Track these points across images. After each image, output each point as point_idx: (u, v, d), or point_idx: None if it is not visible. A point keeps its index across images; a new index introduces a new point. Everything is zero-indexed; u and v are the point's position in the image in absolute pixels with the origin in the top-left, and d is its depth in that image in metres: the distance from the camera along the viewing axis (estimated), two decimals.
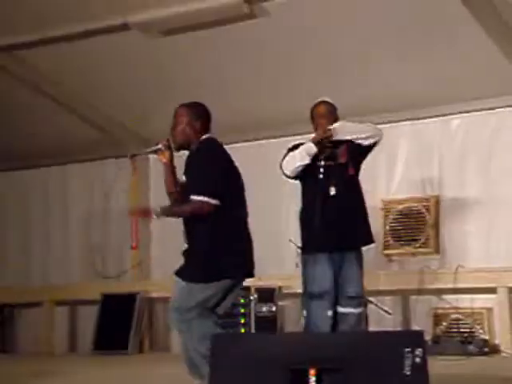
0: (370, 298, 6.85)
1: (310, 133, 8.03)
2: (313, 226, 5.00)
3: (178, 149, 4.67)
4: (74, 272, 9.18)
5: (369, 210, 5.38)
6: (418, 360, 3.13)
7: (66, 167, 9.39)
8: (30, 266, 9.38)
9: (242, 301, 7.58)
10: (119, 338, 8.15)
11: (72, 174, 9.34)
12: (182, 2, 6.26)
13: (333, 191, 5.09)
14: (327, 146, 5.20)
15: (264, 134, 8.38)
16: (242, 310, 7.60)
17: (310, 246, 5.12)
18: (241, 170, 8.14)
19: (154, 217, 4.59)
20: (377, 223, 7.20)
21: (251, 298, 7.56)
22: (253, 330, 7.45)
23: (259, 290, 7.58)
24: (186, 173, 4.52)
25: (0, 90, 7.77)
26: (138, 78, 7.59)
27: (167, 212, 4.59)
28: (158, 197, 8.92)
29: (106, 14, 6.53)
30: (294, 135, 8.18)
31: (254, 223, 8.22)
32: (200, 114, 4.66)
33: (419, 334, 3.28)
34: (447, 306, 7.18)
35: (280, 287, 7.62)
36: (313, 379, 3.11)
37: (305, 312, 5.19)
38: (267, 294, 7.57)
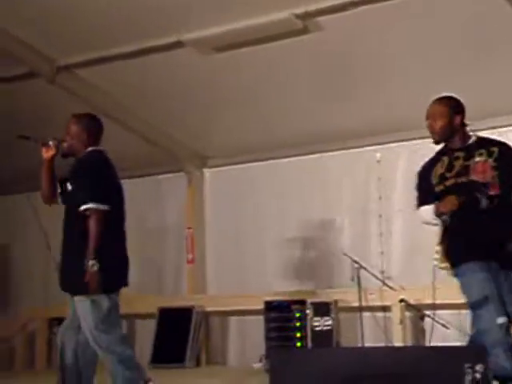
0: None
1: (363, 146, 8.13)
2: (468, 235, 4.58)
3: (64, 155, 4.84)
4: (131, 286, 9.24)
5: None
6: (478, 376, 3.10)
7: (123, 182, 9.48)
8: None
9: (298, 315, 7.60)
10: (176, 351, 8.20)
11: (128, 189, 9.40)
12: (235, 19, 6.32)
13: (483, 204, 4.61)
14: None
15: (320, 147, 8.38)
16: (298, 324, 7.60)
17: (466, 255, 4.63)
18: (296, 183, 8.22)
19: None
20: None
21: (307, 311, 7.55)
22: (309, 344, 7.44)
23: (315, 304, 7.57)
24: (71, 181, 4.70)
25: (58, 107, 7.88)
26: (193, 95, 7.67)
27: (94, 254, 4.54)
28: (213, 212, 9.07)
29: (161, 32, 6.63)
30: (349, 148, 8.27)
31: (308, 237, 8.32)
32: (89, 126, 4.85)
33: (481, 350, 3.24)
34: None
35: (336, 301, 7.60)
36: None
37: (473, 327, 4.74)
38: (323, 308, 7.54)
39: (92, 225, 4.58)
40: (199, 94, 7.67)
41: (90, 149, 4.84)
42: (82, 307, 4.66)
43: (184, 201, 9.13)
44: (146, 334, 8.89)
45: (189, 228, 9.00)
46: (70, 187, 4.76)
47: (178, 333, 8.33)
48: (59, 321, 9.37)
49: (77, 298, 4.68)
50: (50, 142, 4.82)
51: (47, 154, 4.81)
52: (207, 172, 9.23)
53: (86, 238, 4.57)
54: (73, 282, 4.67)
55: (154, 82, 7.56)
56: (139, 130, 8.36)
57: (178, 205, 9.15)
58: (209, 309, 8.54)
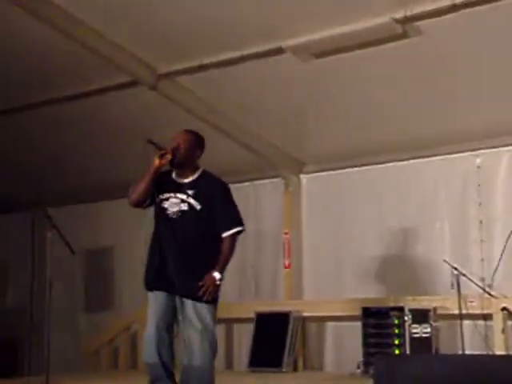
0: None
1: (462, 151, 8.02)
2: None
3: (177, 165, 5.05)
4: (228, 290, 9.36)
5: None
6: None
7: None
8: None
9: (397, 321, 7.54)
10: (274, 355, 8.25)
11: None
12: (335, 25, 6.33)
13: None
14: None
15: (417, 153, 8.32)
16: (397, 331, 7.54)
17: None
18: (393, 189, 8.18)
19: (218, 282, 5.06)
20: None
21: (405, 318, 7.48)
22: (407, 351, 7.37)
23: (413, 311, 7.49)
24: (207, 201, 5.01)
25: (160, 114, 8.10)
26: (291, 101, 7.73)
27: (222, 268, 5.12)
28: (310, 217, 9.09)
29: (261, 38, 6.70)
30: (448, 154, 8.17)
31: (407, 243, 8.25)
32: (201, 145, 5.24)
33: None
34: None
35: (435, 308, 7.50)
36: None
37: None
38: (422, 315, 7.45)
39: (232, 244, 5.18)
40: (298, 100, 7.72)
41: (202, 168, 5.17)
42: (201, 310, 5.00)
43: (281, 206, 9.19)
44: (243, 338, 8.99)
45: (286, 233, 9.05)
46: (198, 204, 4.99)
47: (275, 337, 8.37)
48: None
49: (198, 304, 4.99)
50: (167, 152, 4.99)
51: (161, 161, 4.96)
52: (304, 178, 9.25)
53: (215, 252, 5.05)
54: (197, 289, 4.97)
55: (252, 89, 7.65)
56: (238, 137, 8.45)
57: (275, 210, 9.21)
58: (306, 314, 8.56)
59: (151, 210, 5.25)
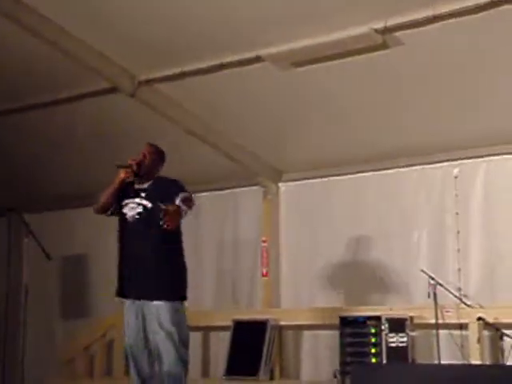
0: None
1: (440, 161, 8.07)
2: None
3: (140, 176, 5.41)
4: (206, 298, 9.37)
5: None
6: None
7: (198, 196, 9.59)
8: None
9: (374, 330, 7.56)
10: (250, 364, 8.22)
11: (204, 202, 9.55)
12: (314, 34, 6.32)
13: None
14: None
15: (395, 162, 8.38)
16: (373, 340, 7.56)
17: None
18: (372, 198, 8.22)
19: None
20: None
21: (382, 327, 7.50)
22: (384, 360, 7.39)
23: (390, 320, 7.52)
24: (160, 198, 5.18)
25: (139, 121, 8.08)
26: (270, 109, 7.74)
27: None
28: (288, 225, 9.10)
29: (240, 47, 6.71)
30: (426, 164, 8.22)
31: (384, 252, 8.28)
32: (163, 159, 5.71)
33: None
34: None
35: (411, 317, 7.53)
36: None
37: None
38: (398, 324, 7.48)
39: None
40: (277, 109, 7.73)
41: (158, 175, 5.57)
42: (160, 312, 5.19)
43: (259, 214, 9.19)
44: (220, 346, 8.96)
45: (264, 241, 9.05)
46: (149, 203, 5.27)
47: (252, 346, 8.35)
48: None
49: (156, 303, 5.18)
50: (132, 166, 5.37)
51: (126, 175, 5.32)
52: (283, 186, 9.26)
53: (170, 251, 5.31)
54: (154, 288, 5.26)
55: (231, 97, 7.65)
56: (217, 145, 8.43)
57: (254, 218, 9.21)
58: (283, 322, 8.56)
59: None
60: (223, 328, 8.85)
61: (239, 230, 9.35)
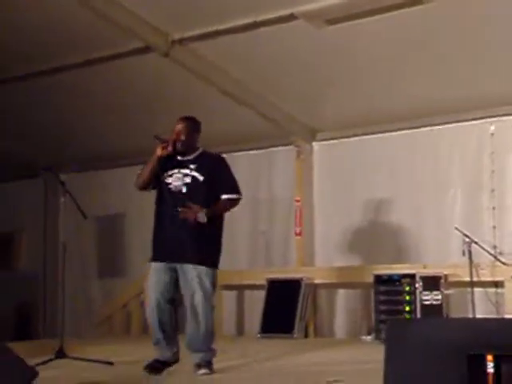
0: None
1: (476, 119, 7.99)
2: None
3: (179, 152, 5.41)
4: (240, 257, 9.44)
5: None
6: None
7: (233, 155, 9.62)
8: None
9: (408, 288, 7.57)
10: (285, 322, 8.31)
11: (239, 162, 9.56)
12: None
13: None
14: None
15: (431, 120, 8.31)
16: (407, 298, 7.58)
17: None
18: (407, 156, 8.16)
19: (201, 220, 5.23)
20: None
21: (416, 285, 7.52)
22: None
23: (424, 278, 7.53)
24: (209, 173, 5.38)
25: (172, 81, 8.08)
26: (304, 68, 7.69)
27: (211, 213, 5.30)
28: (322, 184, 9.11)
29: (274, 5, 6.67)
30: (462, 121, 8.14)
31: (420, 210, 8.25)
32: (199, 128, 5.61)
33: None
34: None
35: (446, 275, 7.53)
36: (490, 365, 3.08)
37: None
38: (433, 282, 7.49)
39: (227, 206, 5.59)
40: (311, 67, 7.69)
41: (202, 148, 5.60)
42: (201, 274, 5.32)
43: (293, 174, 9.19)
44: (255, 305, 9.04)
45: (297, 201, 9.07)
46: (200, 176, 5.36)
47: (286, 304, 8.43)
48: None
49: (199, 268, 5.30)
50: (169, 142, 5.34)
51: (162, 152, 5.33)
52: (316, 145, 9.25)
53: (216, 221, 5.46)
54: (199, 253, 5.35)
55: (265, 56, 7.61)
56: (251, 104, 8.43)
57: (288, 178, 9.22)
58: (317, 281, 8.61)
59: None
60: (257, 287, 8.92)
61: (273, 189, 9.38)
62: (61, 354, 5.84)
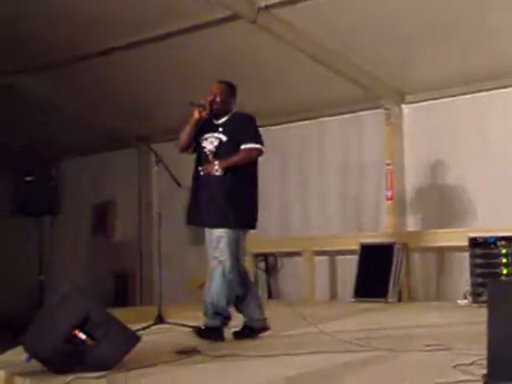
0: None
1: None
2: None
3: (214, 114, 5.48)
4: (331, 223, 9.44)
5: None
6: None
7: (322, 121, 9.60)
8: (291, 217, 9.74)
9: (504, 251, 7.45)
10: (378, 286, 8.29)
11: (328, 127, 9.55)
12: None
13: None
14: None
15: None
16: (504, 261, 7.43)
17: None
18: (498, 117, 7.92)
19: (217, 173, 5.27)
20: None
21: None
22: None
23: None
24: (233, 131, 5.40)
25: (261, 47, 8.09)
26: (393, 29, 7.58)
27: (225, 164, 5.30)
28: (412, 148, 8.97)
29: None
30: None
31: None
32: (235, 93, 5.58)
33: None
34: None
35: None
36: None
37: None
38: None
39: (246, 155, 5.43)
40: (399, 29, 7.57)
41: (234, 110, 5.57)
42: (216, 237, 5.39)
43: (383, 137, 9.09)
44: (347, 269, 9.04)
45: (388, 164, 8.97)
46: (224, 137, 5.43)
47: (379, 268, 8.40)
48: (264, 256, 9.83)
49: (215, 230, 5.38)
50: (205, 104, 5.45)
51: (200, 115, 5.43)
52: (406, 108, 9.11)
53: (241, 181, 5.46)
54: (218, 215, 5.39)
55: (351, 19, 7.54)
56: (338, 68, 8.37)
57: (377, 141, 9.13)
58: (410, 245, 8.53)
59: None
60: (350, 252, 8.91)
61: (363, 153, 9.30)
62: (159, 319, 6.00)
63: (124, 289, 10.84)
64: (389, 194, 8.95)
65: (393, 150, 9.00)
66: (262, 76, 8.74)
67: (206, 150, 5.43)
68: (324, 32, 7.84)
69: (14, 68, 9.48)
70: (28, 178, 8.63)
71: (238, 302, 5.40)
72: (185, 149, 5.58)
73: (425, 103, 8.94)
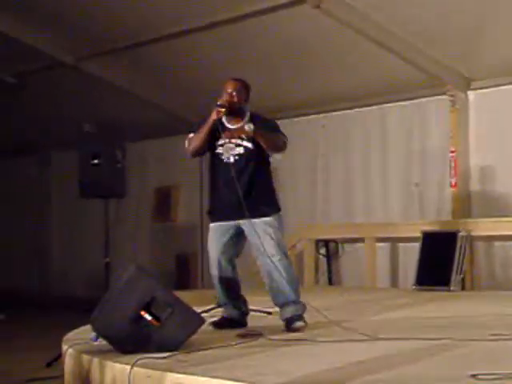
0: None
1: None
2: None
3: (230, 113, 5.20)
4: (394, 209, 9.38)
5: None
6: None
7: (384, 107, 9.52)
8: (354, 203, 9.70)
9: None
10: (441, 275, 8.19)
11: (391, 113, 9.46)
12: None
13: None
14: None
15: None
16: None
17: None
18: None
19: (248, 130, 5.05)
20: None
21: None
22: None
23: None
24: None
25: (323, 32, 8.08)
26: (457, 14, 7.48)
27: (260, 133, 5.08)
28: (477, 135, 8.84)
29: None
30: None
31: None
32: (249, 91, 5.35)
33: None
34: None
35: None
36: None
37: None
38: None
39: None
40: (462, 15, 7.47)
41: (249, 111, 5.31)
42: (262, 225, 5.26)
43: (447, 124, 8.97)
44: (409, 257, 8.98)
45: (452, 152, 8.85)
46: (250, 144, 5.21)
47: (442, 257, 8.29)
48: (325, 242, 9.82)
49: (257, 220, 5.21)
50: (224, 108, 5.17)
51: (219, 114, 5.15)
52: (471, 94, 8.95)
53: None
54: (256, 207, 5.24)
55: (414, 2, 7.44)
56: (402, 53, 8.28)
57: (442, 128, 9.01)
58: (473, 233, 8.42)
59: None
60: (411, 239, 8.84)
61: (427, 140, 9.19)
62: None
63: (186, 272, 10.95)
64: (453, 181, 8.84)
65: (457, 137, 8.87)
66: (325, 61, 8.72)
67: (223, 158, 5.22)
68: (388, 17, 7.78)
69: (80, 53, 9.68)
70: (95, 161, 8.74)
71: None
72: (198, 153, 5.39)
73: (491, 90, 8.78)
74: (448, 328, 5.07)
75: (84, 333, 4.87)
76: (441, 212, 9.07)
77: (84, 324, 4.97)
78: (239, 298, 5.41)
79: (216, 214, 5.35)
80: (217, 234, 5.29)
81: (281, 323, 5.16)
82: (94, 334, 4.34)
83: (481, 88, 8.88)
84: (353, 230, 9.40)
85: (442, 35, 7.99)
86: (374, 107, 9.57)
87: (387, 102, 9.41)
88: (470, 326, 5.26)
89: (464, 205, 8.85)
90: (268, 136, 5.13)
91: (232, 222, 5.24)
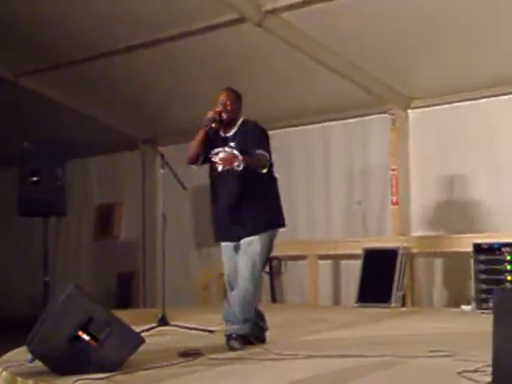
0: None
1: None
2: None
3: (224, 123, 5.39)
4: (335, 227, 9.43)
5: None
6: None
7: (326, 125, 9.59)
8: (296, 221, 9.71)
9: (509, 257, 7.41)
10: (382, 291, 8.27)
11: (333, 131, 9.53)
12: None
13: None
14: None
15: None
16: (509, 267, 7.41)
17: None
18: (507, 123, 7.91)
19: (237, 167, 5.06)
20: None
21: None
22: None
23: None
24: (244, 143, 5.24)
25: (267, 51, 8.10)
26: (398, 34, 7.58)
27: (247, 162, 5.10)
28: (418, 153, 8.96)
29: None
30: None
31: None
32: (241, 101, 5.49)
33: None
34: None
35: None
36: None
37: None
38: None
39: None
40: (405, 33, 7.56)
41: (242, 118, 5.46)
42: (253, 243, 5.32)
43: (388, 142, 9.07)
44: (351, 274, 9.03)
45: (393, 169, 8.95)
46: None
47: (383, 273, 8.38)
48: (268, 259, 9.79)
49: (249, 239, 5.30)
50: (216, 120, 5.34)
51: (211, 127, 5.35)
52: (412, 113, 9.09)
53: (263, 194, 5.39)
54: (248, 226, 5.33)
55: (357, 23, 7.52)
56: (344, 73, 8.36)
57: (383, 146, 9.11)
58: (414, 250, 8.52)
59: None
60: (353, 256, 8.90)
61: (368, 158, 9.28)
62: (163, 321, 6.00)
63: (128, 290, 10.83)
64: (394, 198, 8.94)
65: (398, 155, 8.98)
66: (267, 79, 8.75)
67: (217, 166, 5.31)
68: (329, 36, 7.84)
69: (21, 69, 9.55)
70: (34, 178, 8.59)
71: None
72: (194, 161, 5.48)
73: (431, 108, 8.91)
74: (388, 345, 5.11)
75: (20, 354, 4.77)
76: (382, 229, 9.15)
77: (21, 345, 4.86)
78: (257, 315, 5.37)
79: (216, 233, 5.49)
80: (225, 254, 5.38)
81: (222, 342, 5.14)
82: (30, 356, 4.25)
83: (421, 107, 9.00)
84: (295, 248, 9.40)
85: (383, 55, 8.07)
86: (317, 125, 9.63)
87: (330, 120, 9.48)
88: (410, 342, 5.31)
89: (405, 222, 8.95)
90: (254, 164, 5.16)
91: (230, 244, 5.33)
